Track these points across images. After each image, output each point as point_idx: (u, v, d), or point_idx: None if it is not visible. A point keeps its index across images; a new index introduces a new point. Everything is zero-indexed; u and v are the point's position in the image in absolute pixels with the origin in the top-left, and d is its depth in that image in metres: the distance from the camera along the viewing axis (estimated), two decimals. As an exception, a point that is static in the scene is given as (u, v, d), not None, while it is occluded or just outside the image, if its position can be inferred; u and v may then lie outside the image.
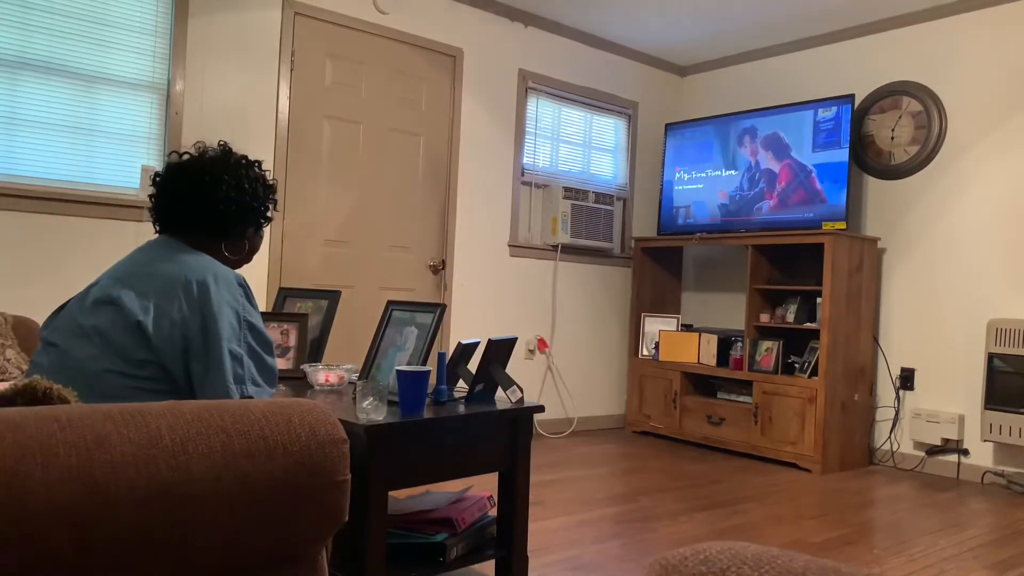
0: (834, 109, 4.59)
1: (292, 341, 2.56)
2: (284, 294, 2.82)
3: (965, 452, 4.30)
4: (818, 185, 4.62)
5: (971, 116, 4.38)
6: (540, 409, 2.21)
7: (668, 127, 5.48)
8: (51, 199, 3.32)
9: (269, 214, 1.81)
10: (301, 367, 2.47)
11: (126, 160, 3.55)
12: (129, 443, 0.94)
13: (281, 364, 2.51)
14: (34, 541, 0.85)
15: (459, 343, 2.25)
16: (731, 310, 5.47)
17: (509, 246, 4.90)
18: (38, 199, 3.30)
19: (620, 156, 5.60)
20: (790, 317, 4.63)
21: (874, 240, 4.59)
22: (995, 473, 4.17)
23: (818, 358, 4.34)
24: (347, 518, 1.11)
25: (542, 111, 5.12)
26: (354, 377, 2.48)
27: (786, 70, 5.27)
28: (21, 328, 2.61)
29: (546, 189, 5.14)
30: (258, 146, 3.91)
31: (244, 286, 1.63)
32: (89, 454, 0.90)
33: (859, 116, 4.83)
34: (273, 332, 2.54)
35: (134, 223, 3.54)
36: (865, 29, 4.82)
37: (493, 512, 2.34)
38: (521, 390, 2.20)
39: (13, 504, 0.84)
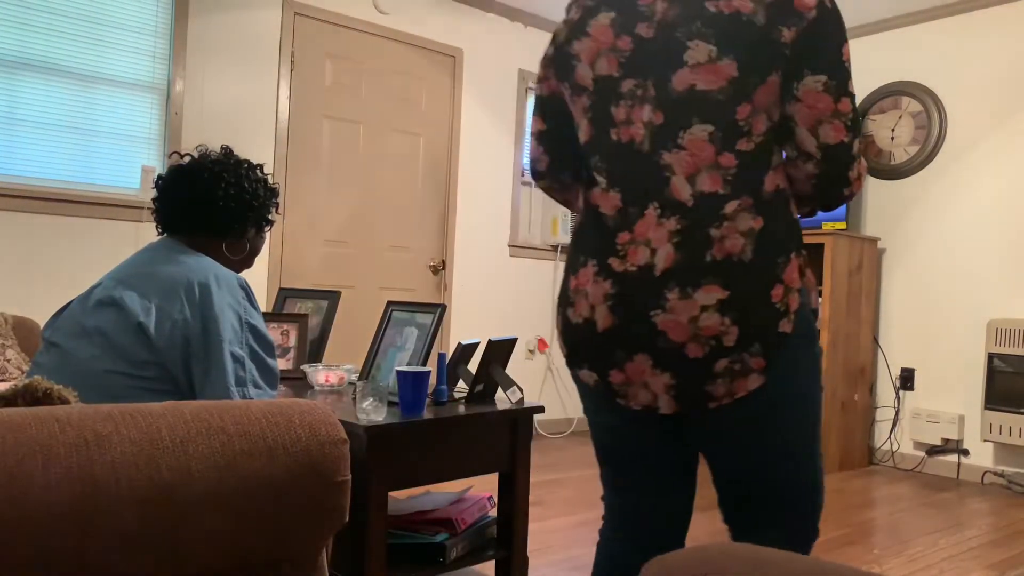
0: (834, 109, 4.59)
1: (292, 341, 2.56)
2: (284, 294, 2.82)
3: (965, 452, 4.30)
4: (818, 185, 4.62)
5: (971, 116, 4.38)
6: (540, 409, 2.21)
7: (668, 127, 5.47)
8: (50, 199, 3.33)
9: (271, 216, 1.81)
10: (301, 367, 2.47)
11: (126, 160, 3.55)
12: (129, 443, 0.94)
13: (281, 364, 2.51)
14: (34, 541, 0.85)
15: (459, 343, 2.25)
16: (731, 310, 5.46)
17: (509, 246, 4.90)
18: (38, 199, 3.30)
19: (620, 156, 5.60)
20: (790, 317, 4.62)
21: (874, 240, 4.59)
22: (995, 473, 4.17)
23: (818, 358, 4.33)
24: (347, 518, 1.11)
25: (542, 111, 5.12)
26: (354, 377, 2.48)
27: (786, 70, 5.26)
28: (21, 328, 2.61)
29: (546, 189, 5.14)
30: (258, 146, 3.92)
31: (246, 288, 1.64)
32: (89, 454, 0.91)
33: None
34: (273, 332, 2.54)
35: (134, 223, 3.54)
36: (865, 29, 4.82)
37: (493, 512, 2.34)
38: (521, 390, 2.20)
39: (13, 504, 0.84)
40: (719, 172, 1.13)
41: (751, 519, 1.27)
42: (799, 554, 0.57)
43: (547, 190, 1.44)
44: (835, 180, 1.16)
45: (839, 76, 1.12)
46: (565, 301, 1.27)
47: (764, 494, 1.24)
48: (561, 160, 1.35)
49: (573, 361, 1.27)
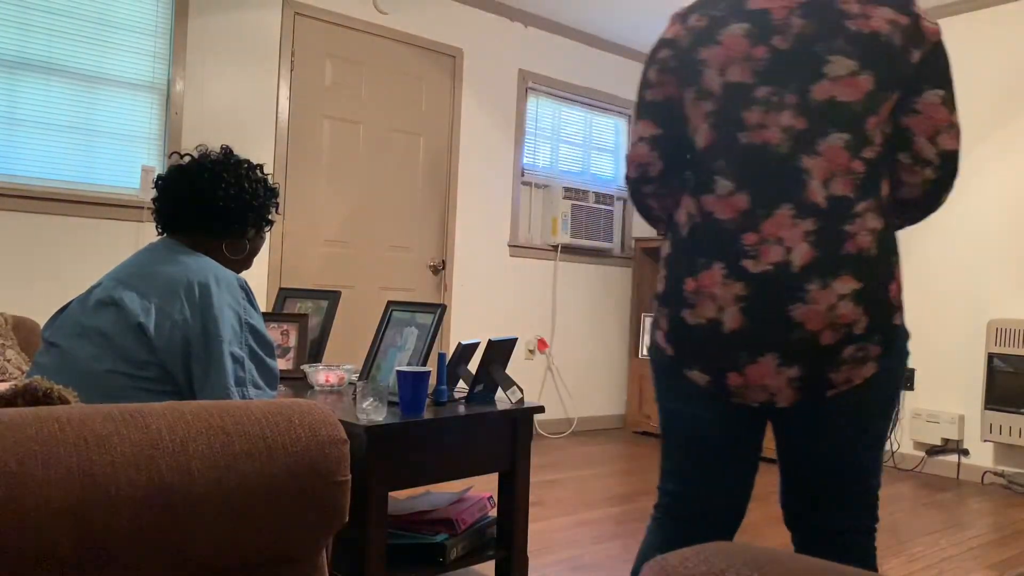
0: (834, 109, 4.59)
1: (292, 341, 2.57)
2: (284, 294, 2.82)
3: (965, 452, 4.30)
4: (818, 185, 4.62)
5: (971, 116, 4.38)
6: (540, 409, 2.21)
7: (668, 127, 5.48)
8: (51, 199, 3.33)
9: (270, 217, 1.81)
10: (301, 367, 2.47)
11: (126, 160, 3.56)
12: (129, 443, 0.94)
13: (281, 364, 2.51)
14: (34, 541, 0.85)
15: (459, 343, 2.25)
16: (731, 310, 5.46)
17: (509, 246, 4.91)
18: (38, 199, 3.30)
19: (620, 156, 5.60)
20: (790, 317, 4.62)
21: (874, 240, 4.59)
22: (995, 473, 4.17)
23: (818, 358, 4.33)
24: (347, 518, 1.11)
25: (542, 111, 5.12)
26: (354, 377, 2.48)
27: (786, 70, 5.26)
28: (21, 328, 2.61)
29: (546, 189, 5.14)
30: (258, 146, 3.92)
31: (245, 288, 1.64)
32: (89, 454, 0.90)
33: (859, 116, 4.82)
34: (273, 332, 2.54)
35: (134, 223, 3.54)
36: (865, 29, 4.82)
37: (493, 513, 2.34)
38: (521, 390, 2.20)
39: (13, 504, 0.84)
40: (850, 177, 1.23)
41: (827, 506, 1.35)
42: (799, 554, 0.57)
43: (648, 196, 1.42)
44: (945, 184, 1.31)
45: (951, 92, 1.27)
46: (680, 303, 1.29)
47: (847, 480, 1.33)
48: (675, 165, 1.37)
49: (682, 362, 1.31)
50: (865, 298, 1.21)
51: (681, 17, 1.33)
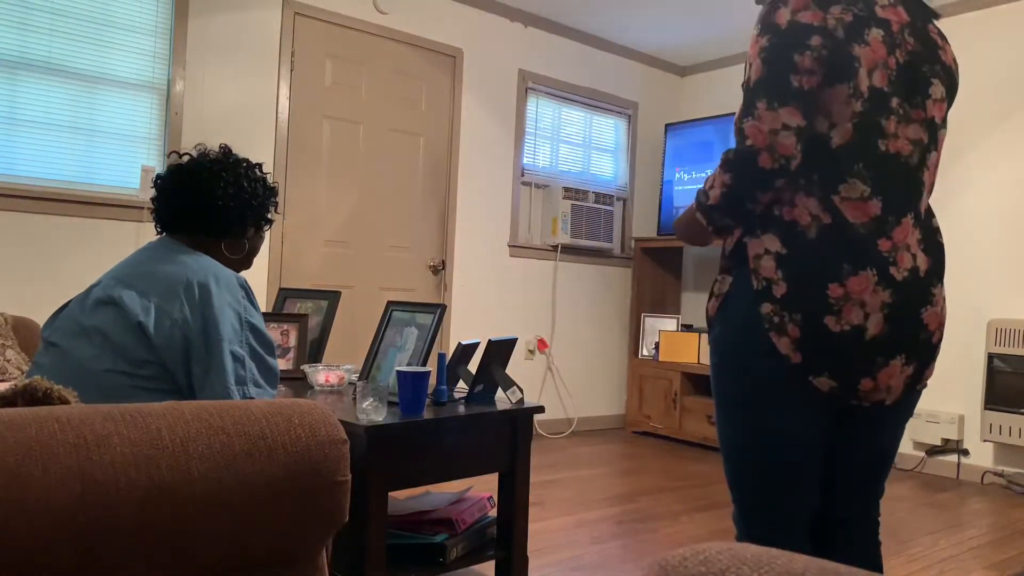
0: (834, 109, 4.59)
1: (292, 341, 2.56)
2: (284, 295, 2.82)
3: (965, 452, 4.30)
4: (818, 185, 4.62)
5: (971, 116, 4.38)
6: (540, 409, 2.21)
7: (668, 127, 5.48)
8: (51, 199, 3.32)
9: (270, 216, 1.81)
10: (301, 367, 2.47)
11: (126, 160, 3.55)
12: (129, 443, 0.94)
13: (281, 364, 2.51)
14: (34, 541, 0.85)
15: (459, 344, 2.25)
16: (731, 310, 5.45)
17: (509, 246, 4.90)
18: (38, 199, 3.30)
19: (620, 156, 5.60)
20: (790, 317, 4.62)
21: (874, 240, 4.58)
22: (995, 473, 4.17)
23: (818, 358, 4.33)
24: (347, 518, 1.11)
25: (542, 111, 5.12)
26: (354, 378, 2.48)
27: (786, 70, 5.25)
28: (21, 328, 2.61)
29: (546, 189, 5.14)
30: (258, 146, 3.92)
31: (245, 287, 1.64)
32: (89, 454, 0.91)
33: (859, 116, 4.82)
34: (273, 332, 2.54)
35: (134, 223, 3.54)
36: (865, 29, 4.81)
37: (493, 513, 2.34)
38: (521, 390, 2.20)
39: (13, 504, 0.84)
40: (930, 192, 1.38)
41: (864, 497, 1.45)
42: (799, 554, 0.57)
43: (770, 191, 1.28)
44: None
45: None
46: (822, 308, 1.25)
47: (886, 470, 1.45)
48: (807, 160, 1.27)
49: (810, 369, 1.27)
50: (944, 303, 1.35)
51: (819, 3, 1.24)
